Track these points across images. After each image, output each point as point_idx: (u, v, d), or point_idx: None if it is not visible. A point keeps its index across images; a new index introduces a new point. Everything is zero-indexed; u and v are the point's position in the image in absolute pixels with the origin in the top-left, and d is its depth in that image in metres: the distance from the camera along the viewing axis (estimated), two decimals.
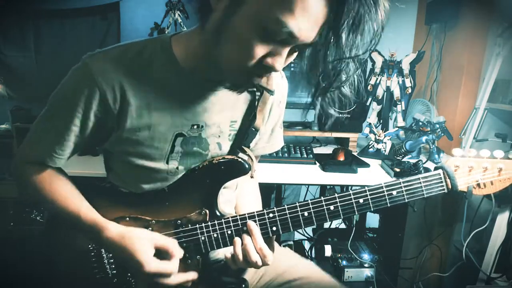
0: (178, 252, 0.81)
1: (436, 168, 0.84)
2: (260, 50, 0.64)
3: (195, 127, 0.83)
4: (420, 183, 0.81)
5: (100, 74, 0.75)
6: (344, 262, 1.82)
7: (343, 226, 2.28)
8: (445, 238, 1.92)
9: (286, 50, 0.65)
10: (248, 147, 0.91)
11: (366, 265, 1.81)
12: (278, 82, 0.95)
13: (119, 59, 0.76)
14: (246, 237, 0.81)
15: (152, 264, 0.77)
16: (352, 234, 1.89)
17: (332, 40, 0.61)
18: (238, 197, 1.06)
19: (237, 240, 0.82)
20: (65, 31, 3.17)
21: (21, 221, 2.68)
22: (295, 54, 0.69)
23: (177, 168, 0.85)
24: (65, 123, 0.79)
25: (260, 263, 0.80)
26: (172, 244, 0.81)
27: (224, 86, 0.82)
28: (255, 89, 0.89)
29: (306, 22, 0.60)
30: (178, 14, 2.18)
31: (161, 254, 0.80)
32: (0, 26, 3.14)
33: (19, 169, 0.88)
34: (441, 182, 0.82)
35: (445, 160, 0.86)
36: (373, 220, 2.30)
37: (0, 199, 2.85)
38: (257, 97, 0.90)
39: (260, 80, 0.74)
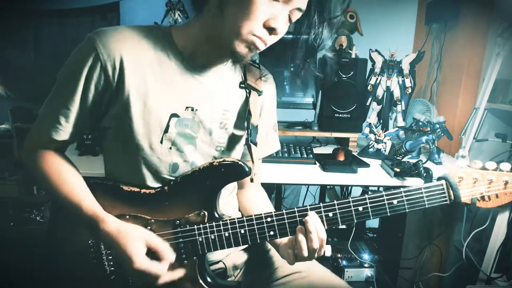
0: (168, 256, 0.82)
1: (439, 179, 0.82)
2: (264, 10, 0.73)
3: (189, 109, 0.87)
4: (422, 193, 0.80)
5: (102, 46, 0.78)
6: (344, 262, 1.82)
7: (343, 226, 2.28)
8: (445, 238, 1.92)
9: (286, 12, 0.75)
10: (256, 144, 0.93)
11: (366, 265, 1.81)
12: (266, 83, 1.00)
13: (121, 35, 0.81)
14: (310, 220, 0.80)
15: (141, 262, 0.78)
16: (352, 234, 1.89)
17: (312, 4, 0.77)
18: (250, 202, 1.07)
19: (300, 228, 0.81)
20: (65, 31, 3.17)
21: (21, 221, 2.68)
22: (288, 25, 0.79)
23: (170, 148, 0.87)
24: (68, 92, 0.82)
25: (316, 252, 0.81)
26: (163, 247, 0.81)
27: (228, 58, 0.87)
28: (247, 89, 0.94)
29: None
30: (178, 14, 2.18)
31: (154, 254, 0.81)
32: (0, 26, 3.14)
33: (27, 155, 0.90)
34: (444, 193, 0.81)
35: (446, 163, 0.85)
36: (373, 220, 2.30)
37: (0, 199, 2.85)
38: (246, 96, 0.94)
39: (262, 45, 0.78)
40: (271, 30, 0.75)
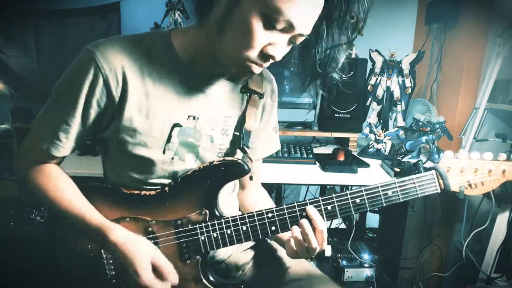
0: (172, 277, 0.81)
1: (429, 169, 0.86)
2: (262, 39, 0.69)
3: (191, 118, 0.85)
4: (414, 183, 0.83)
5: (103, 59, 0.76)
6: (344, 262, 1.82)
7: (343, 226, 2.28)
8: (445, 238, 1.92)
9: (286, 39, 0.71)
10: (248, 147, 0.92)
11: (366, 265, 1.81)
12: (267, 85, 0.98)
13: (121, 47, 0.78)
14: (305, 222, 0.81)
15: (147, 278, 0.78)
16: (352, 234, 1.89)
17: (325, 30, 0.71)
18: (251, 201, 1.07)
19: (295, 227, 0.82)
20: (65, 31, 3.17)
21: (21, 221, 2.67)
22: (290, 47, 0.75)
23: (172, 158, 0.86)
24: (69, 108, 0.79)
25: (317, 249, 0.81)
26: (169, 268, 0.81)
27: (224, 77, 0.86)
28: (247, 93, 0.92)
29: (305, 12, 0.67)
30: (178, 14, 2.18)
31: (156, 272, 0.81)
32: (1, 26, 3.15)
33: (21, 169, 0.88)
34: (434, 182, 0.84)
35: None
36: (373, 220, 2.30)
37: (0, 199, 2.85)
38: (247, 99, 0.92)
39: (259, 69, 0.76)
40: (268, 57, 0.72)
